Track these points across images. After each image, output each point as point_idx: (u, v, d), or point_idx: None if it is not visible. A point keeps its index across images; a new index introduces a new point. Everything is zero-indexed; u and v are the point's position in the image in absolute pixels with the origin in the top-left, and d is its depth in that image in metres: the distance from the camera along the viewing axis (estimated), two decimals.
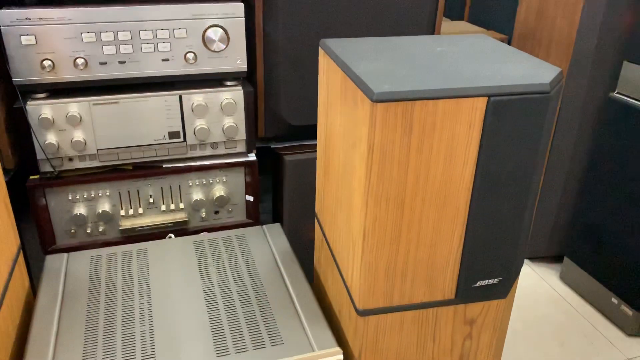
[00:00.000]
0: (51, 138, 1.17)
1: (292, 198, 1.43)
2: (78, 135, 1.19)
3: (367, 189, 0.78)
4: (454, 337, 0.94)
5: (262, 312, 0.94)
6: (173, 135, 1.26)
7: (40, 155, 1.18)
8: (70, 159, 1.22)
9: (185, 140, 1.27)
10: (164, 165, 1.31)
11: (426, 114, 0.75)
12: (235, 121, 1.28)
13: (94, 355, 0.83)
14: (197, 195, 1.35)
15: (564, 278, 2.07)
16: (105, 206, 1.29)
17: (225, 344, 0.87)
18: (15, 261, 0.97)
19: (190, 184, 1.34)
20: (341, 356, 0.87)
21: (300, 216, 1.45)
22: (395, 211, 0.80)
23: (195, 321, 0.91)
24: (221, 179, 1.36)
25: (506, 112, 0.76)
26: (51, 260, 1.05)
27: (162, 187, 1.33)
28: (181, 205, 1.35)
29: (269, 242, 1.14)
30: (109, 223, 1.31)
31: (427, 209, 0.81)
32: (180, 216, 1.36)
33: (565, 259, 2.02)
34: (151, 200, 1.33)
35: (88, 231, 1.29)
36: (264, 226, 1.19)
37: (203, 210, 1.37)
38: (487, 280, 0.89)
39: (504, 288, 0.91)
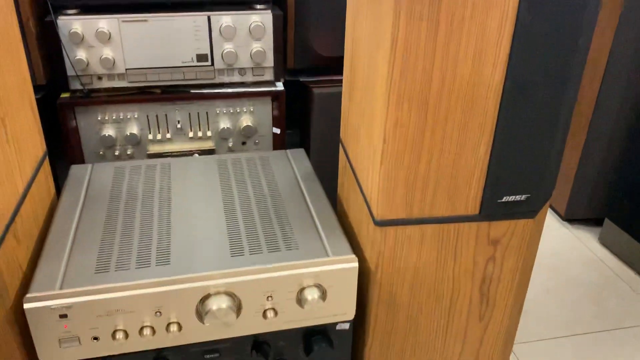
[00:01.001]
0: (81, 54, 1.18)
1: (319, 132, 1.41)
2: (107, 52, 1.19)
3: (389, 88, 0.75)
4: (476, 258, 0.91)
5: (279, 222, 0.93)
6: (201, 57, 1.24)
7: (70, 71, 1.19)
8: (100, 78, 1.23)
9: (213, 64, 1.26)
10: (191, 91, 1.30)
11: (455, 5, 0.71)
12: (263, 46, 1.26)
13: (109, 253, 0.84)
14: (225, 123, 1.34)
15: (603, 241, 1.99)
16: (133, 129, 1.30)
17: (241, 246, 0.86)
18: (40, 164, 0.99)
19: (218, 111, 1.33)
20: (356, 264, 0.85)
21: (327, 149, 1.42)
22: (418, 113, 0.77)
23: (213, 227, 0.91)
24: (248, 108, 1.35)
25: (542, 5, 0.71)
26: (76, 169, 1.07)
27: (189, 113, 1.32)
28: (208, 133, 1.35)
29: (292, 165, 1.12)
30: (136, 147, 1.32)
31: (452, 112, 0.78)
32: (207, 144, 1.36)
33: (606, 220, 1.94)
34: (179, 125, 1.33)
35: (116, 153, 1.31)
36: (287, 150, 1.17)
37: (230, 140, 1.36)
38: (513, 196, 0.85)
39: (532, 207, 0.87)
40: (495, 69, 0.75)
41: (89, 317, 0.77)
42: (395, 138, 0.78)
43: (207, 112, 1.33)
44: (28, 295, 0.75)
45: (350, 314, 0.89)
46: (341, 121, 1.08)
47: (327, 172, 1.44)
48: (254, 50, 1.26)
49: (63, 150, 1.29)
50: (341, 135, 1.09)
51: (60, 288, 0.76)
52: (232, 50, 1.24)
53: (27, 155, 0.93)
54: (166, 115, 1.31)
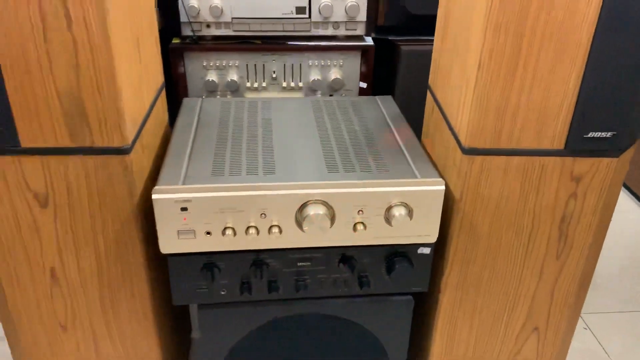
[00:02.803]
0: (193, 1, 1.31)
1: (403, 89, 1.47)
2: (216, 0, 1.31)
3: (488, 16, 0.81)
4: (558, 193, 0.95)
5: (370, 150, 1.01)
6: (300, 10, 1.34)
7: (183, 18, 1.32)
8: (208, 25, 1.35)
9: (310, 16, 1.35)
10: (288, 43, 1.40)
11: None
12: (357, 0, 1.34)
13: (222, 162, 0.95)
14: (315, 75, 1.43)
15: None
16: (234, 76, 1.41)
17: (336, 165, 0.95)
18: (159, 92, 1.11)
19: (310, 64, 1.43)
20: (443, 186, 0.91)
21: (410, 106, 1.48)
22: (513, 43, 0.82)
23: (310, 150, 1.00)
24: (338, 62, 1.44)
25: None
26: (188, 101, 1.19)
27: (284, 64, 1.43)
28: (300, 84, 1.45)
29: (380, 108, 1.20)
30: (235, 93, 1.44)
31: (546, 45, 0.82)
32: (298, 95, 1.46)
33: None
34: (274, 75, 1.43)
35: (217, 97, 1.43)
36: (376, 97, 1.25)
37: (319, 92, 1.46)
38: (599, 133, 0.89)
39: (617, 145, 0.90)
40: (591, 1, 0.79)
41: (205, 213, 0.88)
42: (489, 66, 0.84)
43: (300, 64, 1.43)
44: (156, 187, 0.87)
45: (434, 236, 0.96)
46: (431, 68, 1.14)
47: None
48: (349, 4, 1.34)
49: (170, 93, 1.43)
50: (430, 82, 1.15)
51: (183, 184, 0.88)
52: (328, 3, 1.33)
53: (152, 80, 1.06)
54: (264, 65, 1.42)
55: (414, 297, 1.04)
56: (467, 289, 1.05)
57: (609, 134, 0.89)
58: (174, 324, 1.25)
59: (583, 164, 0.93)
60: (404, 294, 1.04)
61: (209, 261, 0.94)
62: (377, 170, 0.94)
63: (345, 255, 0.98)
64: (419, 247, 0.98)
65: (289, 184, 0.89)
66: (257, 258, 0.96)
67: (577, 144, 0.90)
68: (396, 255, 0.98)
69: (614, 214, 2.11)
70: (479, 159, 0.92)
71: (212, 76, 1.41)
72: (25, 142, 0.86)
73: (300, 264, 0.97)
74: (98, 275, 0.99)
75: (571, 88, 0.86)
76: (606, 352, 1.49)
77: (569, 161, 0.92)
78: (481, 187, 0.94)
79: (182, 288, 0.96)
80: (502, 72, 0.84)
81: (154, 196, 0.87)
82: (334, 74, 1.44)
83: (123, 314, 1.04)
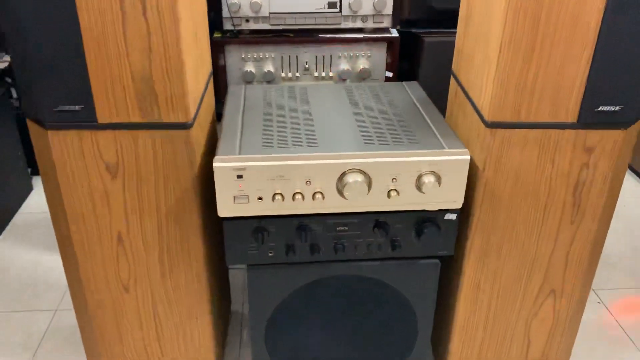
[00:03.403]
0: None
1: (427, 78, 1.59)
2: None
3: (508, 2, 0.92)
4: (572, 162, 1.05)
5: (401, 127, 1.12)
6: (331, 5, 1.46)
7: (225, 13, 1.45)
8: (247, 20, 1.47)
9: (340, 11, 1.47)
10: (320, 35, 1.52)
11: None
12: None
13: (271, 137, 1.07)
14: (344, 65, 1.55)
15: None
16: (270, 67, 1.54)
17: (372, 139, 1.06)
18: (210, 78, 1.24)
19: (340, 55, 1.55)
20: (468, 156, 1.02)
21: (433, 94, 1.59)
22: (531, 26, 0.93)
23: (347, 127, 1.11)
24: (366, 53, 1.55)
25: None
26: (233, 87, 1.31)
27: (316, 56, 1.55)
28: (330, 74, 1.57)
29: (408, 92, 1.31)
30: (271, 82, 1.56)
31: (560, 28, 0.93)
32: (328, 84, 1.57)
33: None
34: (306, 65, 1.55)
35: (258, 85, 1.55)
36: (403, 82, 1.36)
37: (348, 81, 1.57)
38: (608, 107, 0.99)
39: (625, 118, 1.01)
40: None
41: (258, 180, 1.00)
42: (509, 48, 0.95)
43: (330, 55, 1.55)
44: (217, 157, 0.99)
45: (459, 203, 1.07)
46: (454, 55, 1.25)
47: None
48: None
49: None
50: (453, 67, 1.26)
51: (239, 154, 1.00)
52: None
53: (205, 67, 1.18)
54: (297, 56, 1.54)
55: (441, 262, 1.15)
56: (489, 254, 1.15)
57: (617, 108, 1.00)
58: (221, 293, 1.37)
59: (594, 136, 1.03)
60: (432, 258, 1.14)
61: (259, 225, 1.06)
62: (408, 143, 1.05)
63: (379, 221, 1.09)
64: (446, 214, 1.09)
65: (331, 154, 1.00)
66: (302, 223, 1.07)
67: (588, 117, 1.00)
68: (425, 221, 1.09)
69: (629, 199, 2.21)
70: (500, 132, 1.03)
71: (249, 67, 1.53)
72: (101, 118, 0.99)
73: (339, 228, 1.09)
74: (159, 240, 1.12)
75: (582, 67, 0.96)
76: (619, 324, 1.58)
77: (582, 133, 1.03)
78: (502, 158, 1.05)
79: (235, 250, 1.08)
80: (520, 53, 0.95)
81: (215, 164, 0.99)
82: (362, 64, 1.55)
83: (179, 278, 1.16)
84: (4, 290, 1.70)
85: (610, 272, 1.79)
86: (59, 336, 1.53)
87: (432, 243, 1.11)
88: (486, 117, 1.02)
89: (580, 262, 1.17)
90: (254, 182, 1.01)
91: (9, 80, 2.16)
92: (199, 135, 1.08)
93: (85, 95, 0.96)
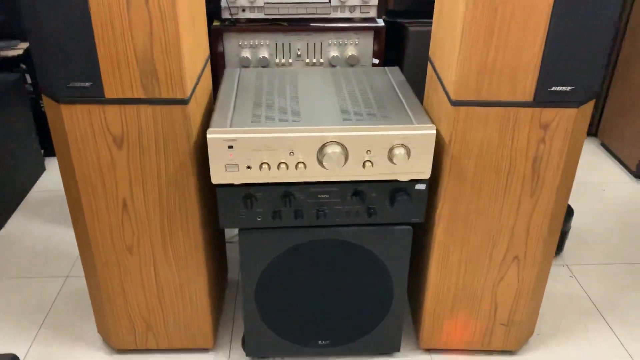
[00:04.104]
0: None
1: (411, 65, 1.70)
2: None
3: None
4: (530, 138, 1.17)
5: (377, 105, 1.24)
6: None
7: (223, 3, 1.57)
8: (244, 10, 1.60)
9: (330, 2, 1.59)
10: (311, 24, 1.64)
11: None
12: None
13: (259, 113, 1.19)
14: (334, 52, 1.67)
15: None
16: (265, 53, 1.66)
17: (349, 115, 1.19)
18: (206, 62, 1.36)
19: (329, 42, 1.67)
20: (434, 131, 1.14)
21: (417, 79, 1.71)
22: (489, 12, 1.05)
23: (329, 104, 1.24)
24: (354, 41, 1.67)
25: None
26: (229, 71, 1.44)
27: (307, 43, 1.67)
28: (321, 60, 1.69)
29: (389, 76, 1.43)
30: (266, 68, 1.68)
31: (515, 14, 1.05)
32: (318, 69, 1.69)
33: None
34: (298, 52, 1.67)
35: (252, 68, 1.68)
36: (386, 67, 1.48)
37: (337, 67, 1.69)
38: (561, 87, 1.11)
39: (576, 97, 1.12)
40: None
41: (246, 150, 1.13)
42: (471, 32, 1.07)
43: (321, 43, 1.67)
44: (210, 129, 1.12)
45: (427, 173, 1.19)
46: (431, 42, 1.37)
47: None
48: None
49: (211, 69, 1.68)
50: (430, 54, 1.38)
51: (230, 127, 1.12)
52: None
53: (202, 51, 1.31)
54: (290, 43, 1.66)
55: (415, 230, 1.27)
56: (456, 222, 1.27)
57: (569, 88, 1.11)
58: (218, 260, 1.50)
59: (549, 114, 1.15)
60: (405, 224, 1.27)
61: (248, 192, 1.19)
62: (382, 118, 1.18)
63: (357, 190, 1.21)
64: (416, 184, 1.21)
65: (312, 127, 1.13)
66: (286, 190, 1.20)
67: (543, 96, 1.12)
68: (398, 191, 1.22)
69: (607, 184, 2.33)
70: (464, 109, 1.14)
71: (246, 53, 1.65)
72: (108, 94, 1.12)
73: (321, 196, 1.21)
74: (159, 206, 1.25)
75: (537, 50, 1.08)
76: (588, 296, 1.70)
77: (537, 111, 1.14)
78: (467, 134, 1.17)
79: (227, 214, 1.21)
80: (480, 37, 1.07)
81: (208, 136, 1.12)
82: (350, 52, 1.67)
83: (178, 241, 1.29)
84: (19, 259, 1.84)
85: (585, 250, 1.90)
86: (69, 300, 1.66)
87: (405, 211, 1.23)
88: (452, 96, 1.14)
89: (541, 231, 1.28)
90: (243, 152, 1.13)
91: (23, 66, 2.30)
92: (195, 111, 1.20)
93: (94, 73, 1.09)
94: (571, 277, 1.78)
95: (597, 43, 1.07)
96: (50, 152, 2.47)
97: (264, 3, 1.58)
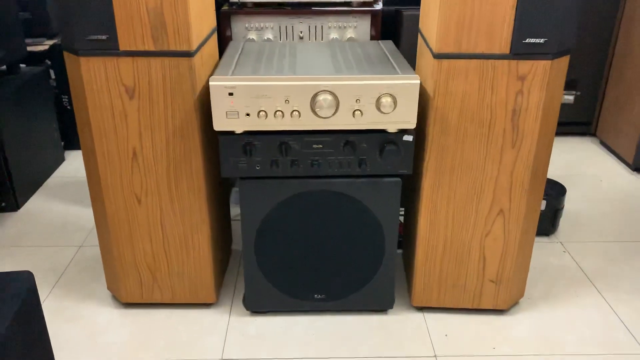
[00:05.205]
0: None
1: (406, 47, 1.81)
2: None
3: None
4: (508, 89, 1.26)
5: (367, 63, 1.34)
6: None
7: None
8: None
9: None
10: (313, 8, 1.77)
11: None
12: None
13: (259, 67, 1.30)
14: (334, 34, 1.79)
15: None
16: (269, 35, 1.79)
17: (341, 69, 1.29)
18: (212, 32, 1.49)
19: (330, 25, 1.79)
20: (418, 81, 1.24)
21: (411, 61, 1.82)
22: None
23: (323, 61, 1.34)
24: (353, 24, 1.79)
25: None
26: (234, 42, 1.56)
27: (309, 26, 1.79)
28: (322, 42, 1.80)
29: (381, 47, 1.54)
30: None
31: None
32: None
33: None
34: (301, 35, 1.80)
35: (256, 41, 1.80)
36: (379, 40, 1.59)
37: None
38: (535, 39, 1.20)
39: (549, 49, 1.21)
40: None
41: (245, 97, 1.24)
42: None
43: (322, 26, 1.79)
44: (212, 77, 1.23)
45: (413, 123, 1.28)
46: (420, 12, 1.48)
47: None
48: None
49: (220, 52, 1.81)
50: (420, 26, 1.49)
51: (231, 75, 1.24)
52: None
53: (209, 18, 1.43)
54: (293, 26, 1.79)
55: (405, 188, 1.35)
56: (443, 174, 1.35)
57: (542, 40, 1.20)
58: (220, 219, 1.59)
59: (525, 66, 1.24)
60: (394, 176, 1.35)
61: (248, 141, 1.29)
62: (370, 71, 1.28)
63: (348, 140, 1.31)
64: (404, 135, 1.30)
65: (305, 76, 1.23)
66: (283, 140, 1.29)
67: (518, 48, 1.21)
68: (387, 142, 1.31)
69: (605, 177, 2.38)
70: (445, 62, 1.24)
71: (252, 35, 1.78)
72: (122, 46, 1.24)
73: (315, 146, 1.31)
74: (167, 155, 1.35)
75: (511, 4, 1.18)
76: (580, 267, 1.74)
77: (514, 63, 1.24)
78: (449, 86, 1.26)
79: (229, 162, 1.31)
80: None
81: (211, 83, 1.23)
82: (349, 34, 1.79)
83: (183, 191, 1.39)
84: (36, 230, 1.95)
85: (578, 230, 1.95)
86: (82, 265, 1.76)
87: (393, 162, 1.32)
88: (434, 49, 1.24)
89: (524, 183, 1.35)
90: (242, 99, 1.24)
91: (48, 62, 2.46)
92: (200, 68, 1.32)
93: (110, 26, 1.22)
94: (564, 252, 1.83)
95: None
96: (69, 145, 2.61)
97: None
